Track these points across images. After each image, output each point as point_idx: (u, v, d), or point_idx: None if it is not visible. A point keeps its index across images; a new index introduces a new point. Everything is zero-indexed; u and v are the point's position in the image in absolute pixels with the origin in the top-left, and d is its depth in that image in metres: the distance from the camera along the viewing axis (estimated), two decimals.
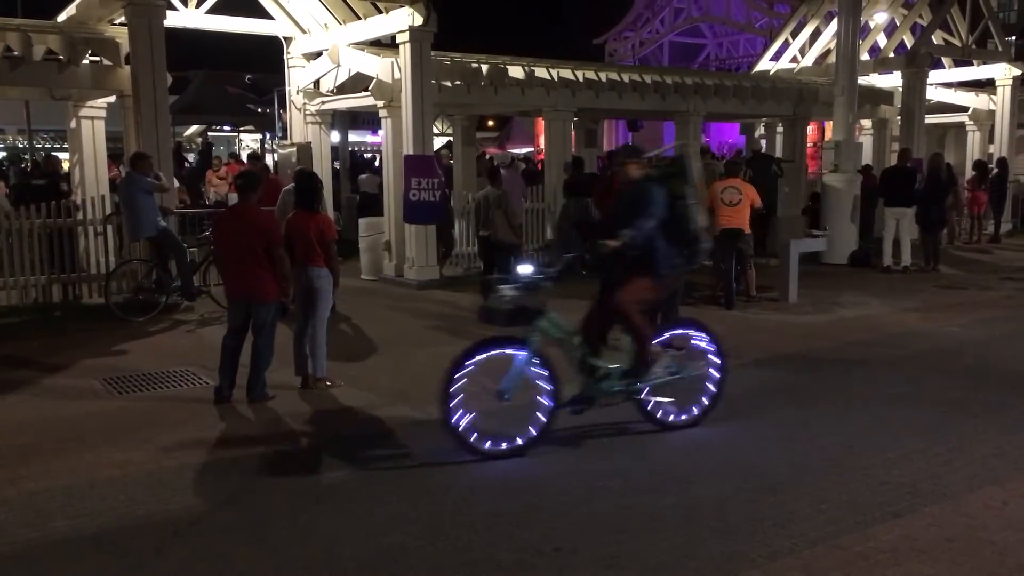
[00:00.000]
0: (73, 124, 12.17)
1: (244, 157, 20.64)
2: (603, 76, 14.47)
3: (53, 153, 21.24)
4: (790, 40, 20.00)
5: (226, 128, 28.38)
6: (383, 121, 12.56)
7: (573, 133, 16.05)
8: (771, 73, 19.20)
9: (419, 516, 4.56)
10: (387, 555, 4.13)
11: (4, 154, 24.90)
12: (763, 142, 20.22)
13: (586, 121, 17.35)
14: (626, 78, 14.75)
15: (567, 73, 14.02)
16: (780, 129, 18.35)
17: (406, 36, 11.31)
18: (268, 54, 14.66)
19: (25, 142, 24.11)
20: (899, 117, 17.68)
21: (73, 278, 10.44)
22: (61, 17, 11.80)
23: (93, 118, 12.02)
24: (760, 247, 11.90)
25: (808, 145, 18.85)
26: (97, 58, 11.17)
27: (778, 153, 17.76)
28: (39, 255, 10.18)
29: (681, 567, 4.00)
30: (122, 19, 10.72)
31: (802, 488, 4.90)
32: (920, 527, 4.39)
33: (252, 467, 5.34)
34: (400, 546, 4.21)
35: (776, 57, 20.11)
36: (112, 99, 11.86)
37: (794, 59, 19.58)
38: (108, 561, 4.11)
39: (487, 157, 23.03)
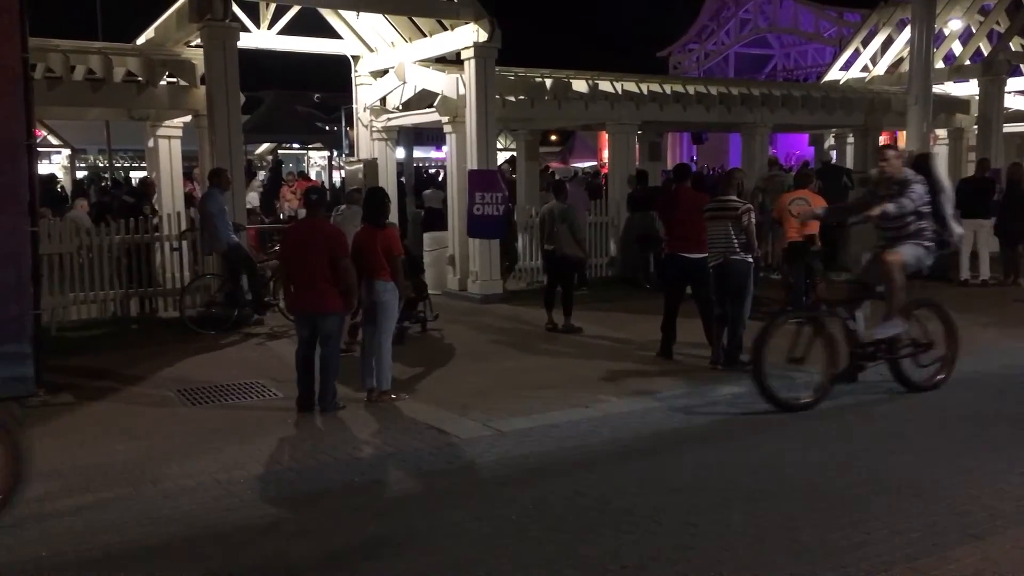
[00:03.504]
0: (151, 143, 12.59)
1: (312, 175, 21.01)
2: (667, 88, 14.36)
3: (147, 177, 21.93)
4: (861, 49, 19.58)
5: (295, 146, 29.04)
6: (447, 136, 12.68)
7: (637, 146, 15.95)
8: (841, 83, 18.81)
9: (481, 530, 4.55)
10: (449, 569, 4.13)
11: (85, 173, 25.88)
12: (833, 153, 19.78)
13: (650, 134, 17.23)
14: (691, 90, 14.60)
15: (631, 86, 13.95)
16: (851, 140, 17.95)
17: (471, 52, 11.41)
18: (336, 73, 14.96)
19: (105, 161, 25.05)
20: (976, 126, 17.14)
21: (149, 292, 10.78)
22: (140, 40, 12.25)
23: (170, 137, 12.42)
24: (831, 260, 11.59)
25: None
26: (174, 79, 11.53)
27: (849, 164, 17.34)
28: (117, 270, 10.53)
29: None
30: (198, 41, 11.07)
31: (876, 508, 4.74)
32: (1002, 550, 4.21)
33: (320, 478, 5.41)
34: (462, 560, 4.21)
35: (846, 66, 19.70)
36: (188, 119, 12.22)
37: (865, 68, 19.15)
38: (181, 568, 4.20)
39: (549, 171, 23.07)
